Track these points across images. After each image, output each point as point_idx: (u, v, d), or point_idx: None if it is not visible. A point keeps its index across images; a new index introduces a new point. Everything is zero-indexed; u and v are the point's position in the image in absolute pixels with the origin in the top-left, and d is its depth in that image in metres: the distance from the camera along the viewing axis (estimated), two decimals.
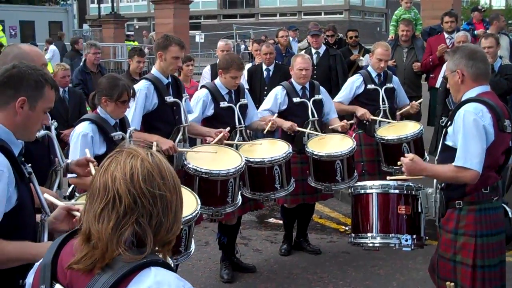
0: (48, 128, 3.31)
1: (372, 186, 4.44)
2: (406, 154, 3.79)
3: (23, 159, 2.49)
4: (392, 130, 5.96)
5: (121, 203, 1.61)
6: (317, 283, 5.45)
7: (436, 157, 3.82)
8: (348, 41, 9.72)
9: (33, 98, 2.49)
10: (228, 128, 5.22)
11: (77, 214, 2.56)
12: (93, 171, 3.41)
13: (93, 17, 37.91)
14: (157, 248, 1.69)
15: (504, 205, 3.67)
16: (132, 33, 29.96)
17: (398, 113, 6.40)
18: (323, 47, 8.62)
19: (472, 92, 3.54)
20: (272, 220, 7.36)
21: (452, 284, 3.10)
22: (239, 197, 4.95)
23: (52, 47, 17.72)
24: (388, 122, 6.09)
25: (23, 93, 2.46)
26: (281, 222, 6.64)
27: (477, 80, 3.55)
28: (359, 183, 4.74)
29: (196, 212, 3.91)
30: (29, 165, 2.47)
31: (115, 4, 31.15)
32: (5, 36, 17.95)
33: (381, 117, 6.11)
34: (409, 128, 5.87)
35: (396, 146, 5.73)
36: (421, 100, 6.71)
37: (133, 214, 1.61)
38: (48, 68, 16.79)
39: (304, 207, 6.11)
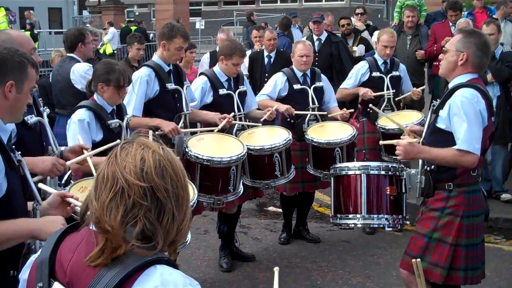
0: (40, 114, 3.27)
1: (355, 167, 4.56)
2: (402, 137, 3.87)
3: (13, 146, 2.43)
4: (394, 119, 5.89)
5: (130, 195, 1.53)
6: (316, 272, 5.42)
7: (422, 139, 3.86)
8: (341, 30, 9.53)
9: (19, 80, 2.45)
10: (233, 114, 5.17)
11: (72, 201, 2.52)
12: (88, 159, 3.36)
13: (93, 3, 37.63)
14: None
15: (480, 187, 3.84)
16: (132, 19, 29.81)
17: (397, 99, 6.29)
18: (325, 34, 8.53)
19: (464, 78, 3.62)
20: (271, 208, 7.33)
21: (418, 260, 3.14)
22: (241, 185, 4.91)
23: (112, 29, 18.47)
24: (383, 111, 6.01)
25: (10, 77, 2.41)
26: (280, 210, 6.60)
27: (476, 69, 3.65)
28: (339, 165, 4.79)
29: (193, 202, 3.86)
30: (19, 152, 2.42)
31: None
32: (6, 22, 17.92)
33: (385, 105, 6.06)
34: (411, 118, 5.81)
35: (397, 135, 5.67)
36: (423, 87, 6.62)
37: (141, 207, 1.54)
38: (107, 48, 17.09)
39: (304, 195, 6.07)
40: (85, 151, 3.37)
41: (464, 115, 3.48)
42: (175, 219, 1.59)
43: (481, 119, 3.51)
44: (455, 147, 3.53)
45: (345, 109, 5.84)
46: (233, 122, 5.16)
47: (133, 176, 1.54)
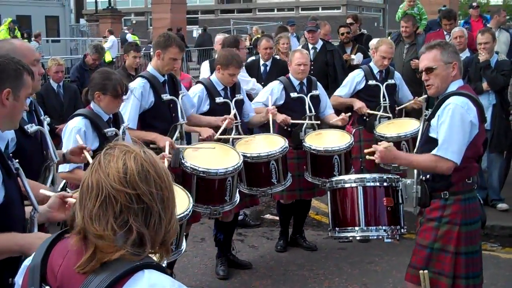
0: (40, 123, 3.27)
1: (351, 180, 4.56)
2: (379, 143, 3.90)
3: (11, 154, 2.44)
4: (392, 127, 5.91)
5: (117, 201, 1.54)
6: (313, 280, 5.42)
7: (416, 149, 3.90)
8: (340, 38, 9.54)
9: (16, 87, 2.47)
10: (233, 112, 5.17)
11: (71, 200, 2.53)
12: (88, 158, 3.40)
13: (90, 11, 37.74)
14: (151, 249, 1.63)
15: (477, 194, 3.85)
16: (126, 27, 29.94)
17: (398, 108, 6.32)
18: (320, 43, 8.56)
19: (453, 86, 3.67)
20: (268, 216, 7.32)
21: (426, 272, 3.14)
22: (237, 195, 4.91)
23: (112, 37, 18.71)
24: (388, 118, 6.05)
25: (6, 85, 2.43)
26: (277, 218, 6.61)
27: (461, 73, 3.74)
28: (335, 178, 4.79)
29: (188, 210, 3.87)
30: (17, 160, 2.43)
31: None
32: (6, 30, 18.05)
33: (381, 113, 6.07)
34: (409, 126, 5.82)
35: (396, 144, 5.68)
36: (425, 96, 6.63)
37: (129, 212, 1.55)
38: (107, 56, 17.38)
39: (301, 203, 6.08)
40: (85, 151, 3.41)
41: (448, 122, 3.51)
42: (162, 220, 1.61)
43: (469, 129, 3.52)
44: (432, 152, 3.55)
45: (343, 113, 5.84)
46: (223, 137, 5.13)
47: (117, 183, 1.55)
